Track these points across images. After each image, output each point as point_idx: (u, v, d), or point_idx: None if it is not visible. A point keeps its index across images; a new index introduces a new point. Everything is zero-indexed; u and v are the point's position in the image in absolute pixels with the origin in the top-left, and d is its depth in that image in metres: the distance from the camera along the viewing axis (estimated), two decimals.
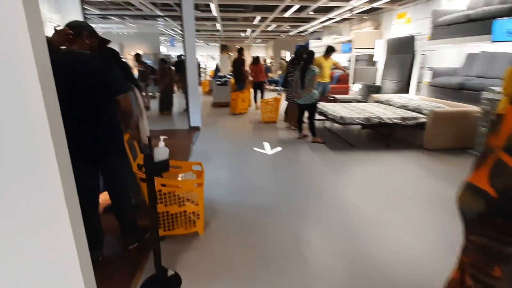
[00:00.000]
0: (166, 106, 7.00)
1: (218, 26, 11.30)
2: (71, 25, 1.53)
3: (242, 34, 14.94)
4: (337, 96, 6.19)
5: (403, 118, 4.09)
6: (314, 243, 2.06)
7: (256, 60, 7.46)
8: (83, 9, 4.76)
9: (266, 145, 4.46)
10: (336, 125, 5.00)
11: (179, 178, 2.33)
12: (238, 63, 7.41)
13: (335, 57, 10.08)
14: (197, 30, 13.07)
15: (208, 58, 23.38)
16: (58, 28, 1.48)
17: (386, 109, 4.63)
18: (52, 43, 1.51)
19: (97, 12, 6.30)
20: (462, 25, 4.44)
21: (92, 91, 1.53)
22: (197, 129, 5.49)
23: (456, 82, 4.50)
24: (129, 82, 2.10)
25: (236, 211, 2.49)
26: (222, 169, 3.53)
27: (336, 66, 6.60)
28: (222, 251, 1.98)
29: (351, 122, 4.05)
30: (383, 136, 4.57)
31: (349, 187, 2.98)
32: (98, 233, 1.82)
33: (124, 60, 2.18)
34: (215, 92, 8.33)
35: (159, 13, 7.18)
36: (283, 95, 6.23)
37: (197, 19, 9.85)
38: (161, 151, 1.42)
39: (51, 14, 4.05)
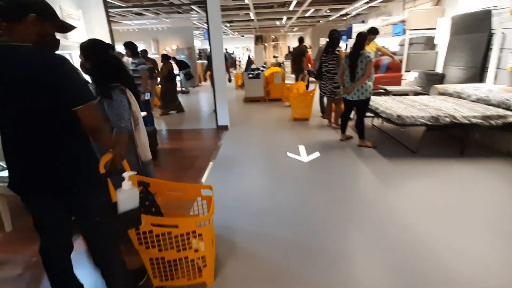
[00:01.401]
0: (166, 104, 6.63)
1: (252, 15, 10.65)
2: (9, 4, 1.05)
3: (278, 23, 14.09)
4: (388, 88, 5.20)
5: (485, 117, 3.10)
6: None
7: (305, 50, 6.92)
8: (106, 3, 4.50)
9: (302, 149, 3.79)
10: (388, 123, 4.11)
11: (193, 209, 1.82)
12: (299, 53, 6.92)
13: (381, 41, 8.85)
14: (231, 21, 12.60)
15: (244, 50, 22.94)
16: None
17: (458, 104, 3.62)
18: None
19: (122, 4, 6.08)
20: None
21: (35, 101, 1.05)
22: (225, 128, 5.02)
23: None
24: (119, 82, 1.63)
25: (259, 249, 1.91)
26: (246, 183, 2.96)
27: (382, 52, 5.53)
28: None
29: (413, 123, 3.17)
30: (455, 140, 3.60)
31: (411, 212, 2.22)
32: (73, 284, 1.39)
33: (115, 55, 1.70)
34: (246, 86, 7.78)
35: (184, 1, 6.74)
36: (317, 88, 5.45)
37: (229, 8, 9.33)
38: (126, 197, 0.90)
39: (72, 9, 3.82)
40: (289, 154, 3.61)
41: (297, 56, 7.04)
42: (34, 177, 1.15)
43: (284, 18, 12.29)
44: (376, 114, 3.75)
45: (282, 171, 3.17)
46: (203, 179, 3.02)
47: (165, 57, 6.48)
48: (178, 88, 10.09)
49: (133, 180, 1.63)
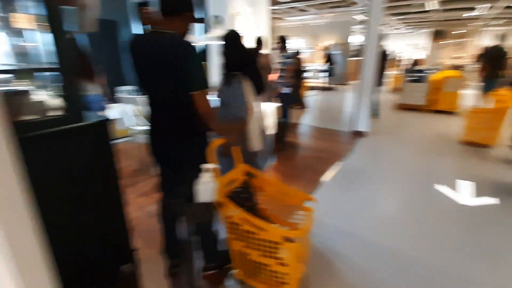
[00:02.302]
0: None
1: (429, 6, 8.75)
2: (170, 1, 1.23)
3: (466, 15, 10.93)
4: None
5: None
6: None
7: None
8: (273, 3, 4.87)
9: (464, 185, 2.75)
10: None
11: (296, 217, 1.66)
12: (497, 53, 5.35)
13: None
14: (401, 13, 10.93)
15: (415, 48, 19.61)
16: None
17: None
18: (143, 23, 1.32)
19: (286, 0, 6.41)
20: None
21: (169, 79, 1.21)
22: (361, 135, 4.44)
23: None
24: (243, 72, 1.67)
25: None
26: (369, 206, 2.45)
27: None
28: None
29: None
30: None
31: None
32: (176, 243, 1.59)
33: (246, 46, 1.75)
34: (404, 90, 6.58)
35: None
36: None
37: None
38: (201, 189, 0.85)
39: (243, 6, 4.38)
40: (437, 187, 2.71)
41: (494, 57, 5.19)
42: (159, 149, 1.35)
43: (480, 7, 9.32)
44: None
45: (424, 208, 2.41)
46: (319, 186, 2.77)
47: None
48: (323, 85, 9.98)
49: (240, 170, 1.65)
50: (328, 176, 2.98)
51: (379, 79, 5.06)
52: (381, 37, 4.72)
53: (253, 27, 4.71)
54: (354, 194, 2.59)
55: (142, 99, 3.16)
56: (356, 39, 12.06)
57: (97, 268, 1.42)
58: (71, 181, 1.24)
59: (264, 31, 4.87)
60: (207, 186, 0.93)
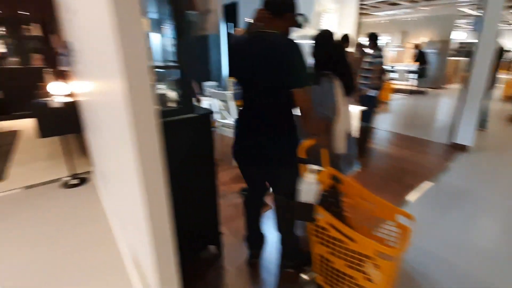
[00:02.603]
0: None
1: None
2: (279, 2, 1.26)
3: None
4: None
5: None
6: None
7: None
8: None
9: None
10: None
11: (383, 231, 1.53)
12: None
13: None
14: None
15: None
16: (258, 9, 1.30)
17: None
18: (252, 25, 1.37)
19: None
20: None
21: (274, 76, 1.23)
22: (462, 148, 3.78)
23: None
24: (333, 71, 1.61)
25: None
26: (473, 234, 2.07)
27: None
28: None
29: None
30: None
31: None
32: (257, 234, 1.65)
33: (339, 46, 1.69)
34: None
35: None
36: None
37: None
38: (304, 189, 0.85)
39: (330, 4, 4.23)
40: None
41: None
42: (252, 143, 1.40)
43: None
44: None
45: None
46: (410, 202, 2.48)
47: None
48: (412, 87, 8.86)
49: (327, 173, 1.60)
50: (418, 191, 2.64)
51: (492, 83, 4.20)
52: (498, 32, 3.91)
53: (339, 24, 4.51)
54: (453, 217, 2.22)
55: (228, 94, 3.38)
56: (460, 35, 10.30)
57: (191, 242, 1.60)
58: (181, 165, 1.41)
59: (350, 28, 4.61)
60: (308, 188, 0.94)
